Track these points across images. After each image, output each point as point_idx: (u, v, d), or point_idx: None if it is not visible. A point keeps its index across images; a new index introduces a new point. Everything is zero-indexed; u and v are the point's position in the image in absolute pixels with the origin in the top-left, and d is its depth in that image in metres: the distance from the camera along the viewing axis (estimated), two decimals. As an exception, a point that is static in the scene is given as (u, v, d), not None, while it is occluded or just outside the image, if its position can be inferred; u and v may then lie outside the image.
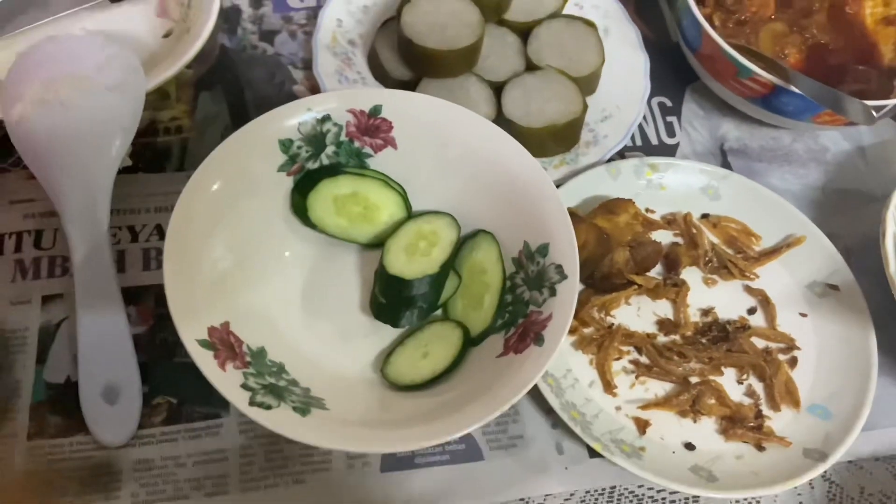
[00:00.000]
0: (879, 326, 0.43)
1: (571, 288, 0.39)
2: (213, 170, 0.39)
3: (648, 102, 0.54)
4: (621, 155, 0.51)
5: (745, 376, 0.43)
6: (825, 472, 0.41)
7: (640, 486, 0.41)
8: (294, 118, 0.42)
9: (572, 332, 0.44)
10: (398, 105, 0.44)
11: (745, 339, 0.44)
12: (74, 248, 0.39)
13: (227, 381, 0.34)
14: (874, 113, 0.42)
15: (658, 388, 0.43)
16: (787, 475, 0.39)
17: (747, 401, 0.43)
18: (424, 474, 0.40)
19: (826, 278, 0.46)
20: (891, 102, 0.45)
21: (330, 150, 0.44)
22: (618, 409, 0.42)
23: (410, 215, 0.45)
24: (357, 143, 0.44)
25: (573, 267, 0.39)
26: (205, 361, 0.35)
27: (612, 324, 0.44)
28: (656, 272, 0.47)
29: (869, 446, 0.42)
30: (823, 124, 0.50)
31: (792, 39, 0.54)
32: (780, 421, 0.42)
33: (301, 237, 0.44)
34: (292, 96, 0.51)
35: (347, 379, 0.41)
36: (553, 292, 0.39)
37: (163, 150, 0.48)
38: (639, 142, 0.53)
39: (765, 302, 0.46)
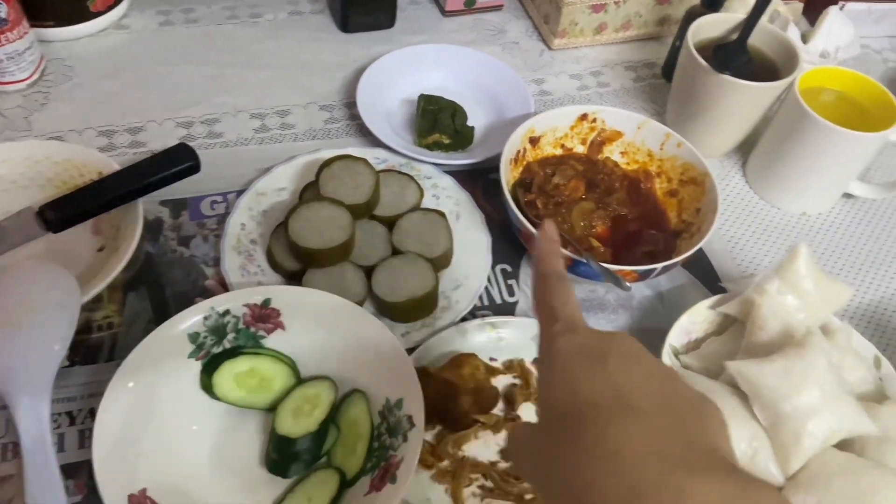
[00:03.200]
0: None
1: (418, 435, 0.50)
2: (130, 370, 0.50)
3: (493, 269, 0.68)
4: (472, 314, 0.64)
5: (569, 490, 0.55)
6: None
7: (488, 592, 0.51)
8: (200, 315, 0.55)
9: (430, 466, 0.55)
10: (283, 297, 0.57)
11: (568, 459, 0.56)
12: (23, 438, 0.49)
13: (143, 537, 0.44)
14: (628, 284, 0.57)
15: (501, 506, 0.54)
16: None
17: (571, 510, 0.54)
18: None
19: (628, 404, 0.58)
20: (659, 266, 0.60)
21: (231, 336, 0.56)
22: (468, 527, 0.52)
23: (300, 381, 0.57)
24: (253, 329, 0.57)
25: (420, 417, 0.51)
26: (125, 523, 0.45)
27: (464, 456, 0.56)
28: (499, 410, 0.59)
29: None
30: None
31: (598, 214, 0.70)
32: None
33: (210, 409, 0.55)
34: (204, 290, 0.63)
35: (249, 525, 0.51)
36: (405, 438, 0.51)
37: (96, 344, 0.58)
38: (486, 302, 0.66)
39: (583, 427, 0.58)
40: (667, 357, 0.58)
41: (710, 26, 0.76)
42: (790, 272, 0.58)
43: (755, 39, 0.74)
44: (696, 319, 0.61)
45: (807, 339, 0.52)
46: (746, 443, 0.51)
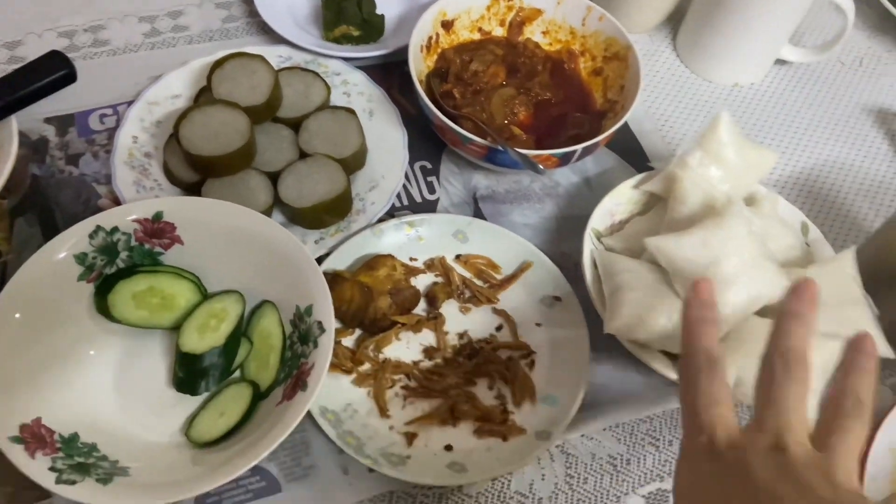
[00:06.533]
0: (591, 325, 0.54)
1: (328, 339, 0.48)
2: (11, 300, 0.47)
3: (412, 166, 0.64)
4: (391, 215, 0.61)
5: (494, 383, 0.53)
6: (563, 445, 0.51)
7: (414, 488, 0.50)
8: (84, 234, 0.51)
9: (349, 371, 0.53)
10: (176, 209, 0.53)
11: (492, 352, 0.54)
12: None
13: (34, 467, 0.42)
14: (542, 168, 0.54)
15: (426, 405, 0.52)
16: (520, 456, 0.49)
17: (496, 402, 0.53)
18: (233, 512, 0.48)
19: (552, 292, 0.57)
20: (579, 147, 0.57)
21: (124, 255, 0.52)
22: (391, 428, 0.51)
23: (206, 296, 0.53)
24: (147, 246, 0.53)
25: (330, 322, 0.49)
26: (14, 454, 0.42)
27: (385, 358, 0.54)
28: (422, 309, 0.57)
29: (597, 421, 0.53)
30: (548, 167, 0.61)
31: (520, 100, 0.66)
32: (521, 414, 0.52)
33: (111, 332, 0.52)
34: (97, 210, 0.58)
35: (161, 445, 0.49)
36: (316, 344, 0.49)
37: (-16, 275, 0.55)
38: (405, 202, 0.63)
39: (507, 319, 0.56)
40: (588, 240, 0.55)
41: None
42: (712, 141, 0.55)
43: None
44: (619, 200, 0.58)
45: (726, 209, 0.50)
46: (666, 317, 0.50)
